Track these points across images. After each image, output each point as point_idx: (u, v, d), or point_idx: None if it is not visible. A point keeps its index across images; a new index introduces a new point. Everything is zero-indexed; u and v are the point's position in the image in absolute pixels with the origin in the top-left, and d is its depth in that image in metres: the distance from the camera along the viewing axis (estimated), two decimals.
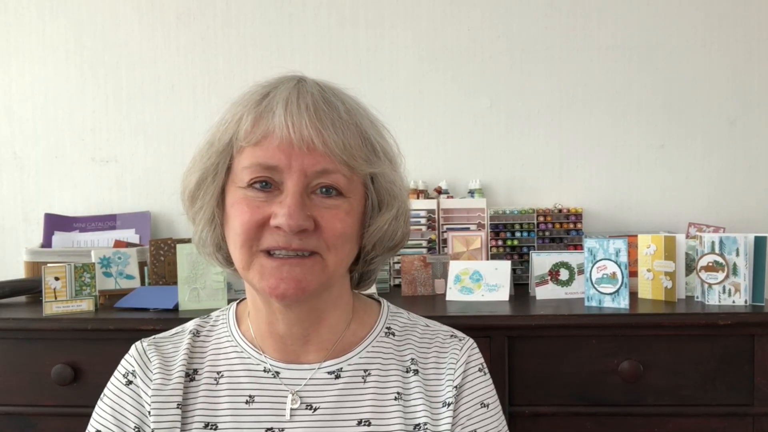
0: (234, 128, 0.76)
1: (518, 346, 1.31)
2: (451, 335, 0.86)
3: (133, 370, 0.82)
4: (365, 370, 0.81)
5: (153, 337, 0.86)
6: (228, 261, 0.81)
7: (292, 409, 0.79)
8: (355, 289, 0.87)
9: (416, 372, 0.82)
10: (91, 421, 0.82)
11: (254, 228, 0.73)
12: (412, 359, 0.83)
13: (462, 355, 0.83)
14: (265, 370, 0.81)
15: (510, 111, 1.86)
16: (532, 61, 1.86)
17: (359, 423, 0.78)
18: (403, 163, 0.83)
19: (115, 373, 0.84)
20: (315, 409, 0.79)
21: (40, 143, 1.95)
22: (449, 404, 0.80)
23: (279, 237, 0.72)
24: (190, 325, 0.87)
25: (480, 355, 0.86)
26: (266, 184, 0.74)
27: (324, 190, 0.74)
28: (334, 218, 0.74)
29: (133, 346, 0.85)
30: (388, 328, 0.86)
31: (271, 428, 0.78)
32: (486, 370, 0.85)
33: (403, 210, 0.82)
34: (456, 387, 0.81)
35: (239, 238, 0.74)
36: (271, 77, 0.79)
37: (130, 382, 0.81)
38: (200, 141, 0.80)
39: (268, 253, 0.74)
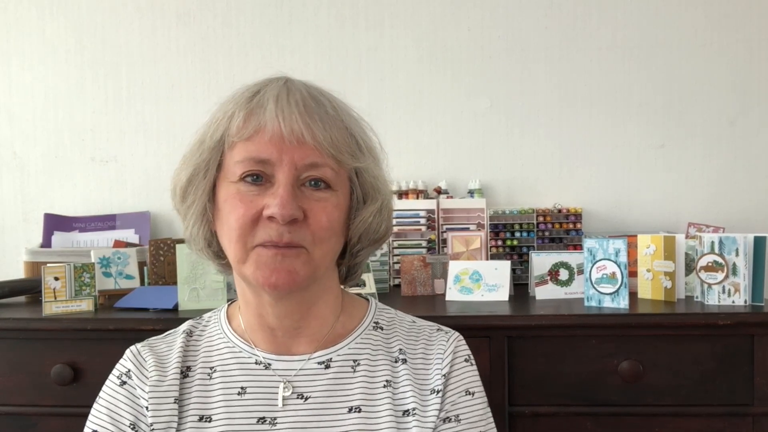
0: (225, 125, 0.78)
1: (518, 346, 1.31)
2: (438, 329, 0.89)
3: (128, 371, 0.83)
4: (354, 360, 0.83)
5: (147, 340, 0.88)
6: (217, 255, 0.83)
7: (284, 398, 0.80)
8: (342, 284, 0.90)
9: (404, 361, 0.84)
10: (88, 422, 0.83)
11: (249, 222, 0.75)
12: (400, 349, 0.85)
13: (449, 346, 0.85)
14: (256, 363, 0.83)
15: (510, 111, 1.86)
16: (532, 61, 1.86)
17: (350, 410, 0.80)
18: (385, 160, 0.86)
19: (110, 376, 0.85)
20: (306, 398, 0.81)
21: (40, 143, 1.95)
22: (438, 391, 0.82)
23: (271, 230, 0.74)
24: (183, 327, 0.90)
25: (467, 347, 0.88)
26: (258, 177, 0.76)
27: (313, 183, 0.77)
28: (322, 211, 0.76)
29: (127, 350, 0.87)
30: (376, 323, 0.88)
31: (263, 417, 0.80)
32: (473, 361, 0.87)
33: (386, 204, 0.85)
34: (444, 375, 0.83)
35: (234, 233, 0.76)
36: (257, 79, 0.82)
37: (124, 383, 0.83)
38: (190, 140, 0.82)
39: (261, 245, 0.75)
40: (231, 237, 0.76)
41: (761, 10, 1.81)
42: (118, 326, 1.33)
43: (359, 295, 0.94)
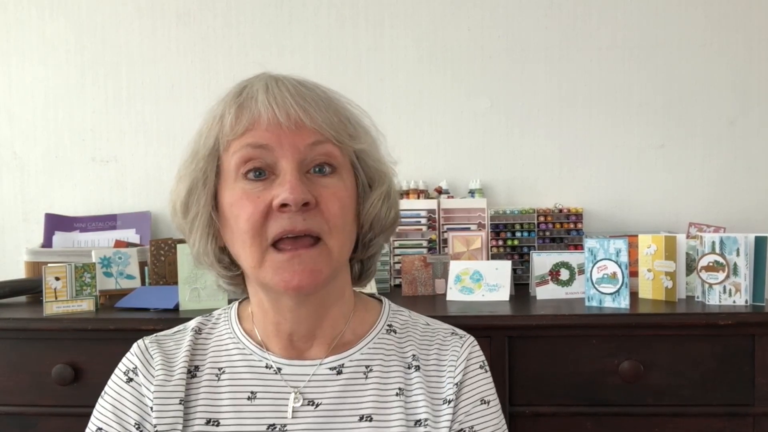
0: (218, 127, 0.76)
1: (518, 346, 1.31)
2: (452, 333, 0.87)
3: (135, 368, 0.82)
4: (367, 366, 0.82)
5: (155, 334, 0.87)
6: (228, 268, 0.81)
7: (294, 407, 0.79)
8: (356, 285, 0.88)
9: (417, 368, 0.82)
10: (92, 418, 0.82)
11: (260, 218, 0.73)
12: (414, 355, 0.83)
13: (463, 352, 0.84)
14: (267, 367, 0.81)
15: (510, 111, 1.86)
16: (532, 61, 1.86)
17: (361, 419, 0.79)
18: (384, 142, 0.84)
19: (116, 371, 0.84)
20: (317, 405, 0.79)
21: (40, 143, 1.95)
22: (450, 401, 0.80)
23: (284, 220, 0.72)
24: (192, 323, 0.88)
25: (481, 352, 0.86)
26: (260, 173, 0.74)
27: (318, 169, 0.75)
28: (333, 197, 0.74)
29: (135, 344, 0.85)
30: (390, 326, 0.86)
31: (273, 424, 0.78)
32: (487, 368, 0.85)
33: (393, 189, 0.83)
34: (457, 384, 0.81)
35: (246, 234, 0.73)
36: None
37: (130, 380, 0.82)
38: (182, 155, 0.80)
39: (276, 247, 0.73)
40: (244, 240, 0.74)
41: (761, 10, 1.81)
42: (118, 326, 1.33)
43: (371, 295, 0.92)
